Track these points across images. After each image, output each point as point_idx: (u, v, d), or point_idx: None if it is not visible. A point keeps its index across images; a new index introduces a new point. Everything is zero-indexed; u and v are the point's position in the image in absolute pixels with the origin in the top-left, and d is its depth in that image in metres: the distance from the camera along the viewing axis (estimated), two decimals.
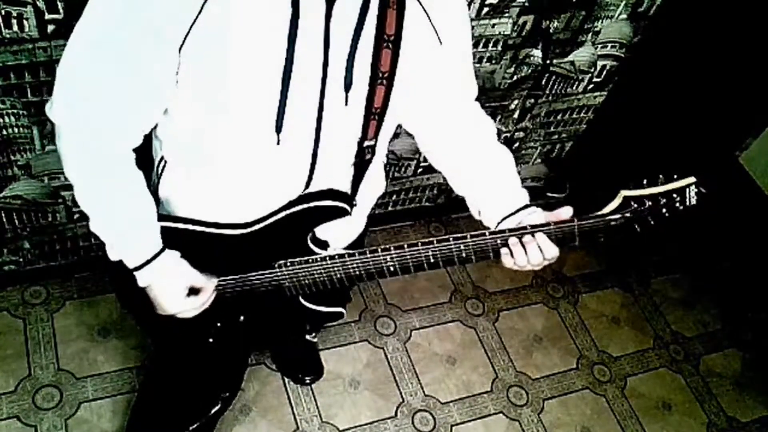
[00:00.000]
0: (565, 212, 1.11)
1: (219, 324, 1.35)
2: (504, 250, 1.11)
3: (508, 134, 2.44)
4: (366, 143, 1.12)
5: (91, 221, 1.08)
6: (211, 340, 1.38)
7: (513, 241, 1.09)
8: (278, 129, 1.01)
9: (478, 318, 2.43)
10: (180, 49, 0.91)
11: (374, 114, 1.08)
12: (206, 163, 1.10)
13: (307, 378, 2.10)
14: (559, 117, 2.48)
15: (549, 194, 2.88)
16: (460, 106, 1.24)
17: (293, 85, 0.97)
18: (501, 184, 1.22)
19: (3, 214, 1.84)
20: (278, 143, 1.03)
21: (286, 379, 2.09)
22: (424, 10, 1.04)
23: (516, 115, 2.36)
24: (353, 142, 1.12)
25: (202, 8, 0.88)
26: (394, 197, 2.50)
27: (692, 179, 1.09)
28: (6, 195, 1.79)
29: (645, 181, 1.10)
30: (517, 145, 2.52)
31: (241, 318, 1.37)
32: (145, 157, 1.16)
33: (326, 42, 0.97)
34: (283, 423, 2.01)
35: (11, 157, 1.70)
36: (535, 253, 1.09)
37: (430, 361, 2.27)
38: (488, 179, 1.22)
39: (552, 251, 1.09)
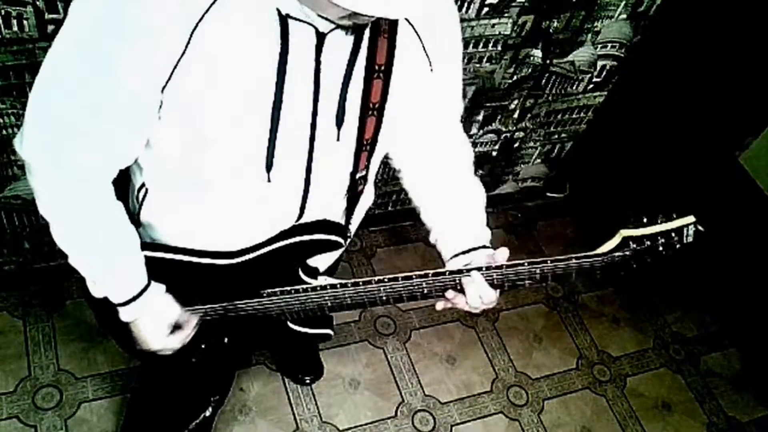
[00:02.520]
0: (501, 254, 1.08)
1: (203, 345, 1.33)
2: (450, 293, 1.09)
3: (508, 134, 2.44)
4: (358, 175, 1.10)
5: (71, 258, 1.03)
6: (194, 359, 1.36)
7: (450, 294, 1.08)
8: (268, 168, 0.98)
9: (478, 318, 2.42)
10: (163, 90, 0.87)
11: (365, 146, 1.05)
12: (193, 195, 1.06)
13: (307, 378, 2.10)
14: (559, 117, 2.48)
15: (549, 194, 2.88)
16: (442, 129, 1.20)
17: (283, 123, 0.94)
18: (463, 220, 1.18)
19: (3, 214, 1.85)
20: (269, 180, 1.00)
21: (286, 379, 2.09)
22: (418, 36, 1.00)
23: (516, 115, 2.36)
24: (345, 175, 1.10)
25: (185, 49, 0.83)
26: (394, 197, 2.50)
27: (692, 218, 1.08)
28: (6, 195, 1.79)
29: (645, 220, 1.09)
30: (517, 145, 2.52)
31: (225, 339, 1.35)
32: (122, 181, 1.09)
33: (317, 78, 0.93)
34: (283, 423, 2.01)
35: (11, 157, 1.70)
36: (474, 297, 1.06)
37: (430, 361, 2.27)
38: (452, 213, 1.19)
39: (490, 296, 1.07)
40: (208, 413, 1.75)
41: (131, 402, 1.85)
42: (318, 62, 0.91)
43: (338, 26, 0.89)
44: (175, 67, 0.84)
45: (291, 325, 1.32)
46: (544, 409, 2.26)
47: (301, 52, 0.89)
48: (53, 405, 1.89)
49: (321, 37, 0.89)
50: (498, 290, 1.08)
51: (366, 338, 2.27)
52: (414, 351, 2.28)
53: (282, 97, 0.91)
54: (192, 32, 0.83)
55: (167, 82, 0.86)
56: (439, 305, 1.12)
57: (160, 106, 0.90)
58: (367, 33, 0.94)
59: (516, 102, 2.29)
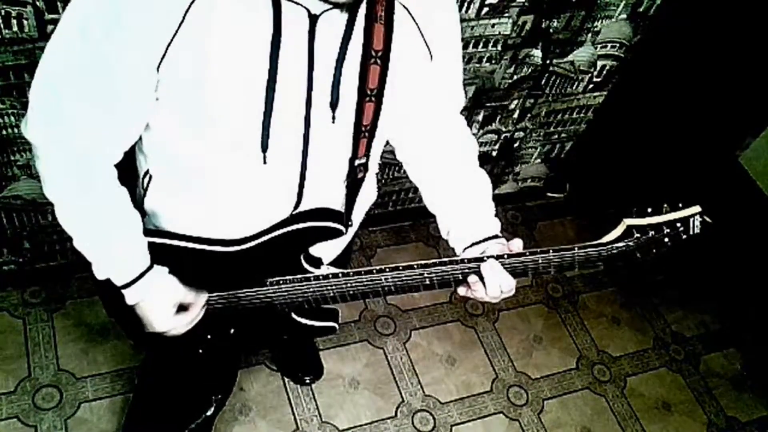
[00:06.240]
0: (515, 245, 1.10)
1: (209, 336, 1.34)
2: (472, 277, 1.08)
3: (508, 134, 2.44)
4: (357, 161, 1.10)
5: (75, 240, 1.05)
6: (201, 351, 1.37)
7: (473, 278, 1.08)
8: (264, 148, 0.99)
9: (478, 318, 2.43)
10: (158, 68, 0.89)
11: (364, 132, 1.05)
12: (193, 179, 1.07)
13: (307, 378, 2.10)
14: (559, 117, 2.48)
15: (549, 194, 2.89)
16: (445, 120, 1.21)
17: (277, 103, 0.95)
18: (475, 210, 1.19)
19: (3, 214, 1.85)
20: (264, 162, 1.00)
21: (286, 379, 2.09)
22: (416, 23, 1.01)
23: (516, 115, 2.36)
24: (344, 161, 1.10)
25: (179, 27, 0.85)
26: (394, 197, 2.50)
27: (697, 209, 1.06)
28: (6, 195, 1.79)
29: (649, 210, 1.07)
30: (517, 145, 2.52)
31: (232, 330, 1.35)
32: (128, 169, 1.13)
33: (310, 59, 0.94)
34: (282, 423, 2.01)
35: (11, 157, 1.70)
36: (494, 287, 1.06)
37: (430, 361, 2.27)
38: (463, 204, 1.19)
39: (510, 284, 1.07)
40: (209, 413, 1.75)
41: (133, 401, 1.85)
42: (311, 44, 0.93)
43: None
44: (169, 44, 0.86)
45: (296, 317, 1.33)
46: (544, 409, 2.26)
47: (293, 33, 0.91)
48: (53, 405, 1.89)
49: (313, 18, 0.91)
50: (516, 279, 1.08)
51: (366, 338, 2.27)
52: (414, 351, 2.28)
53: (276, 76, 0.92)
54: (186, 10, 0.85)
55: (162, 60, 0.88)
56: (461, 290, 1.11)
57: (157, 86, 0.92)
58: (361, 19, 0.95)
59: (516, 102, 2.29)
